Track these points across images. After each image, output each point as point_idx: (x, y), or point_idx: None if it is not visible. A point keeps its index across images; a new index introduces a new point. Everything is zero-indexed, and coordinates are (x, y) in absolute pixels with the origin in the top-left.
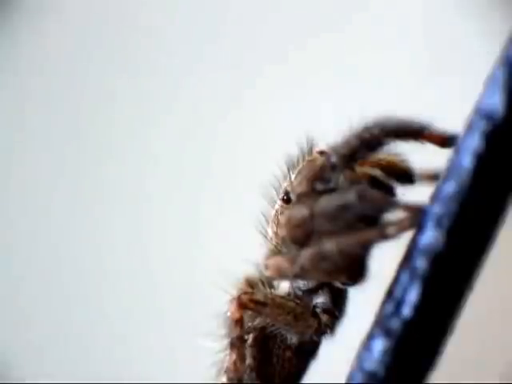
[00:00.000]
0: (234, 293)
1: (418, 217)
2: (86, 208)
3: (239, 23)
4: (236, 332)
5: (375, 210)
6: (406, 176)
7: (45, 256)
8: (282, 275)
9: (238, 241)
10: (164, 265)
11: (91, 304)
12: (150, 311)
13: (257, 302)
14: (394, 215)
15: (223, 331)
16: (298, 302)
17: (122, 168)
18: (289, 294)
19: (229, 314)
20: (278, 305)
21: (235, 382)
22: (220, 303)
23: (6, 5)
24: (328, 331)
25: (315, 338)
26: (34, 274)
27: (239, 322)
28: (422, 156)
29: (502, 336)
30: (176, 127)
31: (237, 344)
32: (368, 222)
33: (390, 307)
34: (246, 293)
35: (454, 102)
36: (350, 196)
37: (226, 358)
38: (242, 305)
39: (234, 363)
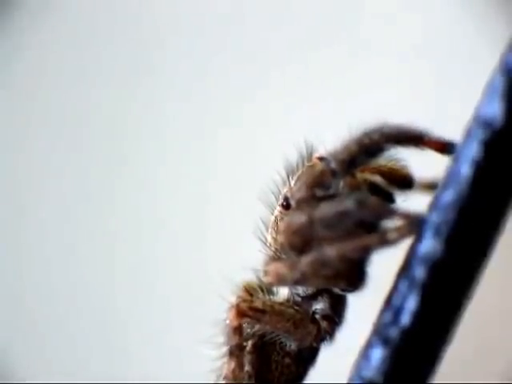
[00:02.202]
0: (233, 300)
1: (416, 225)
2: (88, 213)
3: (239, 30)
4: (235, 340)
5: (374, 217)
6: (407, 182)
7: (47, 256)
8: (281, 281)
9: (237, 247)
10: (163, 271)
11: (93, 305)
12: (149, 317)
13: (256, 310)
14: (392, 223)
15: (222, 339)
16: (298, 308)
17: (123, 174)
18: (288, 301)
19: (227, 321)
20: (277, 312)
21: None
22: (219, 310)
23: (7, 4)
24: (327, 337)
25: (315, 344)
26: (35, 273)
27: (238, 329)
28: (421, 163)
29: (502, 336)
30: (176, 131)
31: (235, 352)
32: (367, 229)
33: (388, 316)
34: (244, 300)
35: (453, 108)
36: (349, 203)
37: (225, 365)
38: (240, 312)
39: (233, 371)
